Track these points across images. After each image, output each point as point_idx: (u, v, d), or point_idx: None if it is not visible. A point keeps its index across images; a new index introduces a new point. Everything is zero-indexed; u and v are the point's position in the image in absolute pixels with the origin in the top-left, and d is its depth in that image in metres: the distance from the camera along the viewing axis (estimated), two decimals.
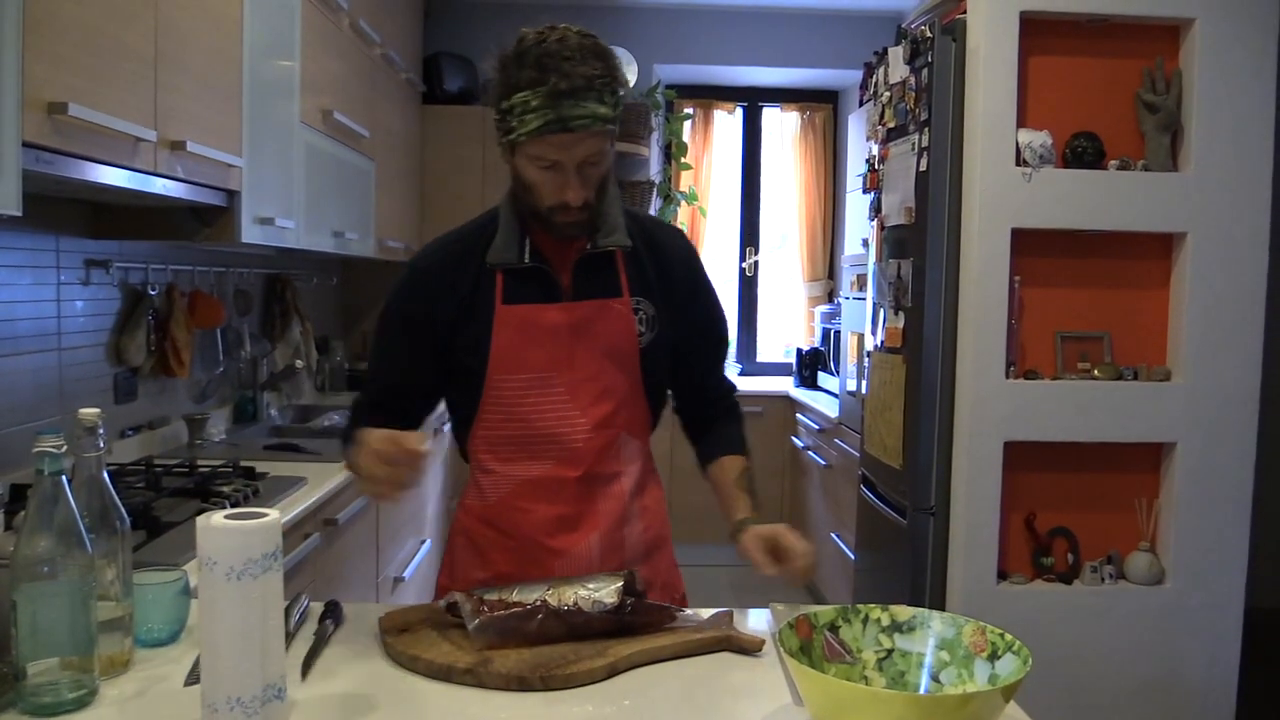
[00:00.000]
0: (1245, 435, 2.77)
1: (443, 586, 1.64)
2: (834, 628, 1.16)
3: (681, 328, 1.62)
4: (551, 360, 1.52)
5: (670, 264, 1.62)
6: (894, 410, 2.99)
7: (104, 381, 2.53)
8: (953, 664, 1.12)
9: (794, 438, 4.88)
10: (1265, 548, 3.23)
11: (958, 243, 2.76)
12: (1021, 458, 2.77)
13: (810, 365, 5.03)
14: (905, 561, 2.89)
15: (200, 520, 1.03)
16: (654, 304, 1.58)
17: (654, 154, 5.30)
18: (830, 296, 5.55)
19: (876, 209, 3.27)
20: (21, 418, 2.17)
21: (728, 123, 5.71)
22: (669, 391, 1.70)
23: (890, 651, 1.15)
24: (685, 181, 5.50)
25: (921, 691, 1.12)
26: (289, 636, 1.28)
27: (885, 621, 1.17)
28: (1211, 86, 2.71)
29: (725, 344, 1.75)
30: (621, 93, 1.46)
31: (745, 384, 4.97)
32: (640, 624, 1.32)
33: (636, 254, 1.58)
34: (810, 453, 4.55)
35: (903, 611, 1.17)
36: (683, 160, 5.45)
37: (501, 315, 1.51)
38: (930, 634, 1.15)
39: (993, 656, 1.10)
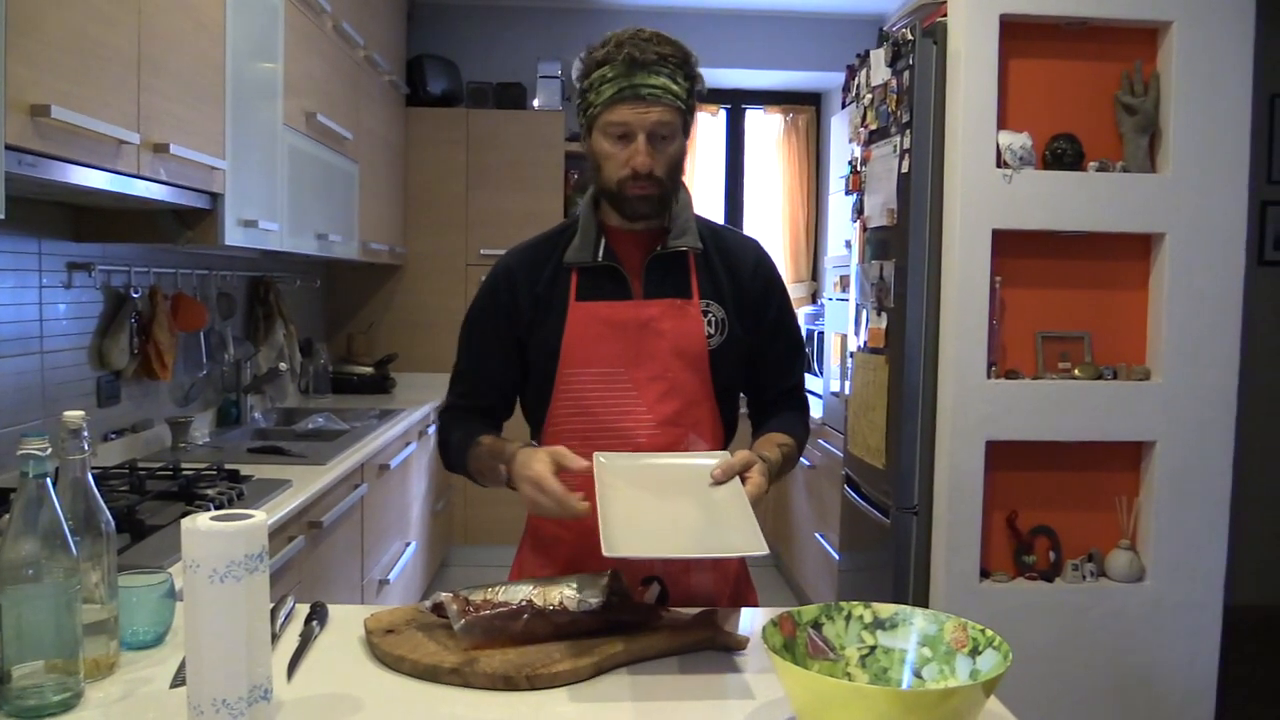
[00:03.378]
0: (1224, 434, 2.80)
1: None
2: (817, 625, 1.16)
3: (754, 334, 1.64)
4: (620, 355, 1.55)
5: (742, 271, 1.64)
6: (877, 410, 3.01)
7: (87, 385, 2.52)
8: (935, 660, 1.14)
9: None
10: (1243, 545, 3.27)
11: (939, 244, 2.78)
12: (1003, 457, 2.79)
13: None
14: (888, 560, 2.90)
15: (185, 523, 1.03)
16: (725, 308, 1.60)
17: None
18: (813, 298, 5.57)
19: (859, 210, 3.29)
20: (2, 421, 2.16)
21: (711, 125, 5.72)
22: (744, 399, 1.71)
23: (873, 648, 1.16)
24: None
25: (904, 687, 1.13)
26: (274, 638, 1.28)
27: (868, 618, 1.18)
28: (1189, 89, 2.74)
29: (799, 353, 1.73)
30: (698, 87, 1.54)
31: None
32: (625, 623, 1.33)
33: (709, 259, 1.62)
34: None
35: (885, 609, 1.18)
36: None
37: (574, 311, 1.56)
38: (912, 630, 1.16)
39: (974, 652, 1.11)
